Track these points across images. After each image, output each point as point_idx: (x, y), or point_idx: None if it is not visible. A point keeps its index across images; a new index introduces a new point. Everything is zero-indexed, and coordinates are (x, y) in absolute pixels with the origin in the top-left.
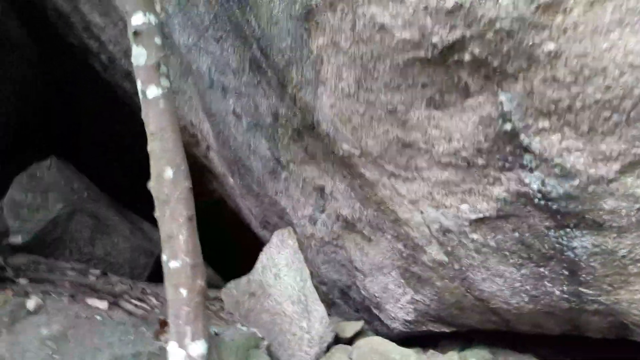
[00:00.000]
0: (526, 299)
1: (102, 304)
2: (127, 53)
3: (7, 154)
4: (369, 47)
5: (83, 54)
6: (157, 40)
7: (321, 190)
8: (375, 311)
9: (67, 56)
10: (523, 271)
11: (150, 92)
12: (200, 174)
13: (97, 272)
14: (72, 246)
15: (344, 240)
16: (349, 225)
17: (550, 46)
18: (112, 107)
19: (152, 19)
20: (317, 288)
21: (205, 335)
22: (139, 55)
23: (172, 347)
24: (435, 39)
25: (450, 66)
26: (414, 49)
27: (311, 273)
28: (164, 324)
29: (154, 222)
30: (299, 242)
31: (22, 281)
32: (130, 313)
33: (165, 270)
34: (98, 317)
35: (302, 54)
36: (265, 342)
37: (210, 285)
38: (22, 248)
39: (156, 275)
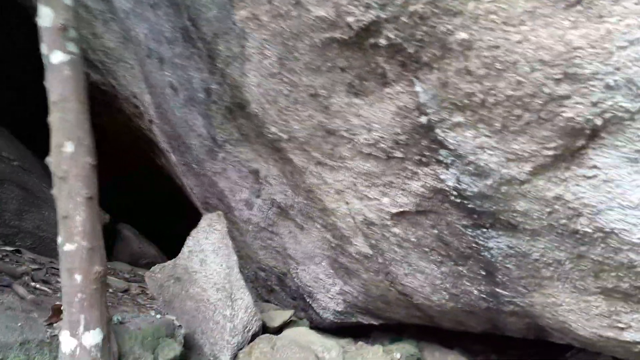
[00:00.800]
0: (447, 297)
1: None
2: None
3: None
4: (287, 23)
5: (25, 9)
6: (67, 0)
7: (256, 173)
8: (309, 300)
9: (9, 12)
10: (443, 269)
11: (55, 57)
12: (148, 148)
13: (9, 248)
14: None
15: (278, 227)
16: (283, 212)
17: (463, 34)
18: None
19: None
20: (256, 274)
21: (101, 323)
22: (45, 16)
23: (64, 336)
24: (350, 19)
25: (367, 50)
26: (331, 28)
27: (250, 258)
28: (58, 310)
29: None
30: (237, 226)
31: None
32: (22, 298)
33: (60, 253)
34: None
35: (228, 27)
36: (182, 331)
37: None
38: None
39: None
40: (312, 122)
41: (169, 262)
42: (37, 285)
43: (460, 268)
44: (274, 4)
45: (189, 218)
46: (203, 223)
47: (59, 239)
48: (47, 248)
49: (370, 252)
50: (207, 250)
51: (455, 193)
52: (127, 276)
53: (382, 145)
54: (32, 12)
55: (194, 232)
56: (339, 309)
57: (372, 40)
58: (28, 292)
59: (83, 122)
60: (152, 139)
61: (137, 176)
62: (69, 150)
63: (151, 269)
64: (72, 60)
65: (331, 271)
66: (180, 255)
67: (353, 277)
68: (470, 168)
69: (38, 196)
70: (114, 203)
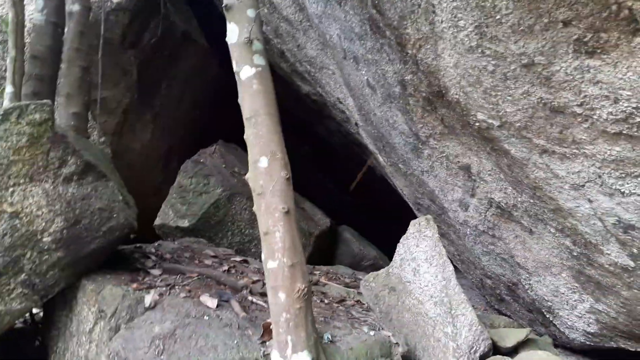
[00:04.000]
0: None
1: (212, 303)
2: (278, 31)
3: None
4: None
5: None
6: (250, 13)
7: (467, 169)
8: (549, 316)
9: None
10: None
11: (244, 72)
12: (360, 150)
13: (238, 259)
14: (234, 228)
15: (501, 231)
16: (505, 213)
17: None
18: (280, 88)
19: None
20: (482, 281)
21: (309, 345)
22: (232, 33)
23: (274, 356)
24: None
25: None
26: None
27: (473, 264)
28: (269, 328)
29: (315, 201)
30: (454, 229)
31: (155, 272)
32: (237, 314)
33: (265, 270)
34: (206, 317)
35: (413, 3)
36: (400, 349)
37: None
38: (190, 230)
39: (317, 255)
40: (530, 101)
41: (382, 270)
42: (254, 300)
43: None
44: None
45: (406, 218)
46: (412, 229)
47: (263, 256)
48: None
49: (632, 264)
50: (419, 259)
51: None
52: (347, 280)
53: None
54: None
55: (403, 239)
56: (591, 330)
57: None
58: (246, 306)
59: (274, 135)
60: (361, 142)
61: (353, 179)
62: (264, 165)
63: (365, 278)
64: (259, 73)
65: (576, 285)
66: (392, 263)
67: (608, 294)
68: None
69: None
70: (335, 207)
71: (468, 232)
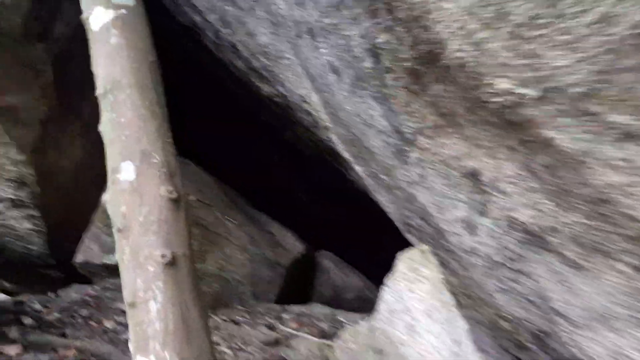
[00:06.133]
0: None
1: None
2: (225, 19)
3: None
4: None
5: (196, 33)
6: None
7: (474, 177)
8: None
9: (186, 40)
10: None
11: (96, 18)
12: (334, 160)
13: None
14: None
15: (528, 263)
16: (535, 240)
17: None
18: (240, 90)
19: None
20: (495, 323)
21: None
22: None
23: None
24: None
25: None
26: None
27: (483, 300)
28: None
29: (290, 220)
30: (455, 256)
31: (11, 350)
32: None
33: None
34: None
35: None
36: None
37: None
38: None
39: (290, 290)
40: (613, 37)
41: (363, 324)
42: None
43: None
44: None
45: (398, 232)
46: (401, 267)
47: (130, 347)
48: (235, 292)
49: None
50: (415, 310)
51: None
52: (324, 326)
53: None
54: None
55: (390, 282)
56: None
57: None
58: None
59: (149, 123)
60: (333, 149)
61: (330, 195)
62: (128, 177)
63: (341, 337)
64: (121, 18)
65: None
66: (376, 314)
67: None
68: None
69: (217, 233)
70: (313, 224)
71: (477, 263)
